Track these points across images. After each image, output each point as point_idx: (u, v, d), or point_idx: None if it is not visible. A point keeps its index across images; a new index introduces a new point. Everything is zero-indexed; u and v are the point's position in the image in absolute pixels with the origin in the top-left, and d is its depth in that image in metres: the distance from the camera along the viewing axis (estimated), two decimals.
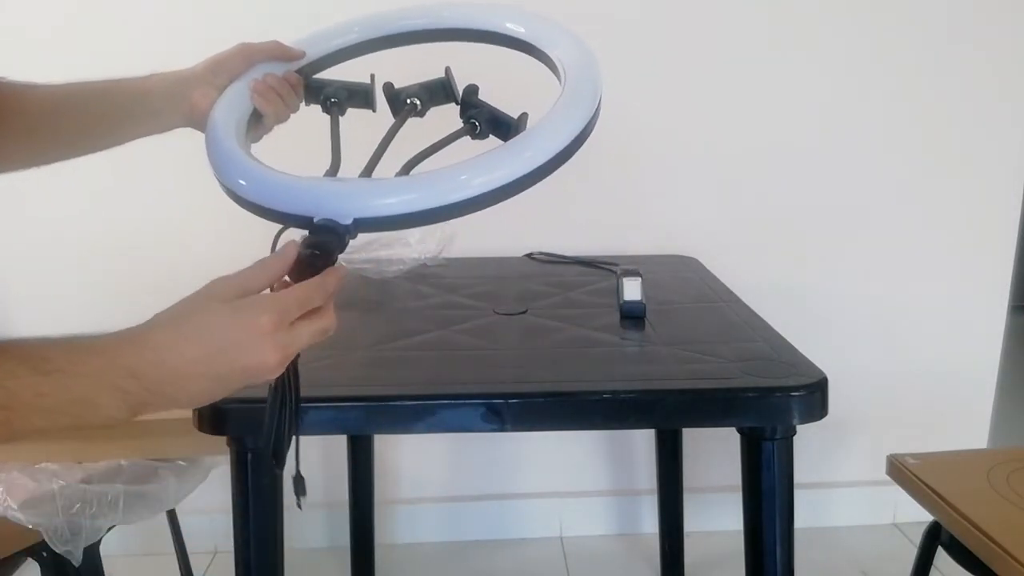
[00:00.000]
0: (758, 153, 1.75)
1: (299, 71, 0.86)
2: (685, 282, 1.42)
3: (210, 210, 1.71)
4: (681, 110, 1.72)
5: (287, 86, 0.82)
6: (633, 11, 1.66)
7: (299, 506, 0.69)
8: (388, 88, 0.80)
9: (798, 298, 1.79)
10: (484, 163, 0.68)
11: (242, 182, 0.69)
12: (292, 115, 0.85)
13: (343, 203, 0.65)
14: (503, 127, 0.74)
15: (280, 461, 0.65)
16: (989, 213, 1.80)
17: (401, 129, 0.78)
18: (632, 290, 1.21)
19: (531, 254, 1.64)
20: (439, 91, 0.79)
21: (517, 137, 0.70)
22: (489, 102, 0.76)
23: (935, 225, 1.80)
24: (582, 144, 0.72)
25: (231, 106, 0.78)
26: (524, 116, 0.73)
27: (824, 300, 1.82)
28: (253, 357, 0.57)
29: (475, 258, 1.59)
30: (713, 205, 1.76)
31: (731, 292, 1.34)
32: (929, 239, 1.81)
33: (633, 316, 1.19)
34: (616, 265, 1.45)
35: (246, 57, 0.81)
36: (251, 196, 0.69)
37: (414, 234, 1.53)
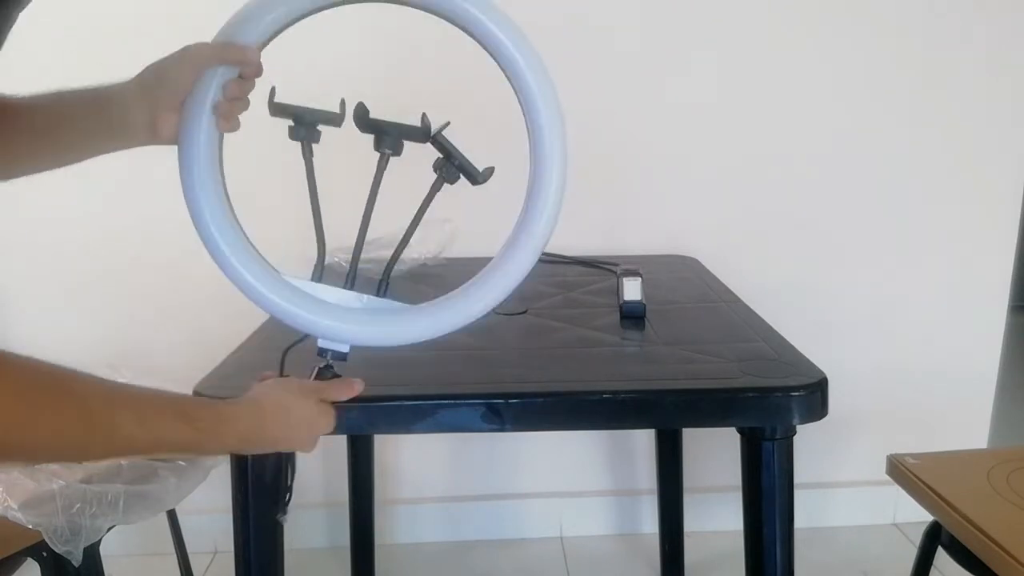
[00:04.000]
0: (758, 153, 1.75)
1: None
2: (685, 282, 1.42)
3: None
4: (681, 110, 1.72)
5: (244, 93, 0.78)
6: (633, 11, 1.66)
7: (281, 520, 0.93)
8: (360, 109, 0.80)
9: (798, 298, 1.79)
10: (458, 307, 0.82)
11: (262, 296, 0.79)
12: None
13: (341, 335, 0.80)
14: (470, 176, 0.81)
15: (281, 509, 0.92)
16: (989, 213, 1.80)
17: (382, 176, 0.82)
18: (632, 290, 1.21)
19: None
20: (413, 132, 0.80)
21: (478, 284, 0.83)
22: (455, 146, 0.81)
23: (935, 225, 1.80)
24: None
25: (207, 165, 0.77)
26: (489, 170, 0.81)
27: (824, 300, 1.82)
28: (308, 438, 0.80)
29: (475, 258, 1.58)
30: (713, 205, 1.76)
31: (731, 292, 1.34)
32: (929, 239, 1.81)
33: (633, 316, 1.19)
34: (616, 265, 1.45)
35: (194, 67, 0.76)
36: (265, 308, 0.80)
37: (414, 234, 1.53)
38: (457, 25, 0.80)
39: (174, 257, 1.73)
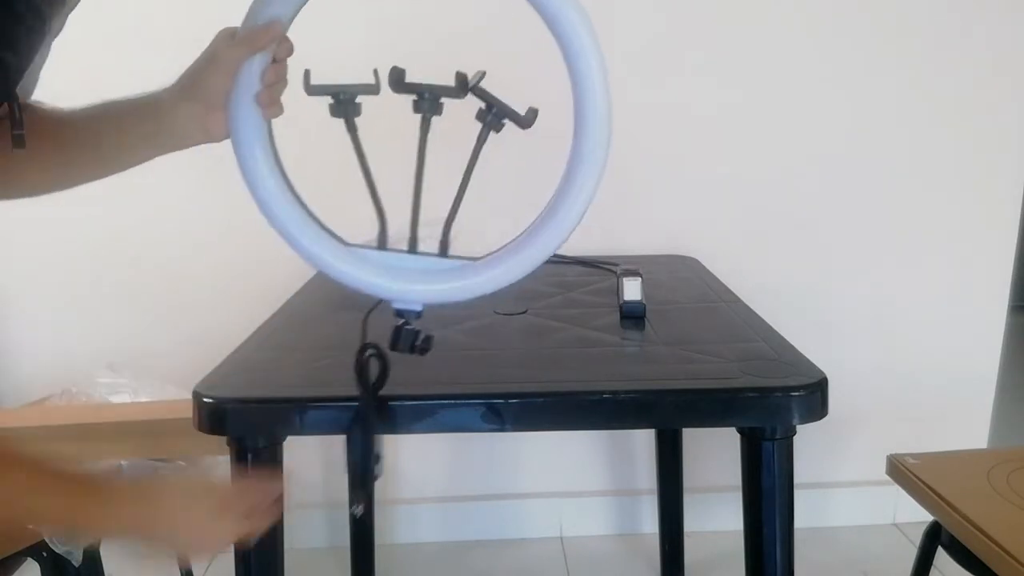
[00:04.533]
0: (758, 154, 1.75)
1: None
2: (685, 282, 1.42)
3: (213, 212, 1.71)
4: (681, 110, 1.72)
5: (280, 76, 0.80)
6: (633, 11, 1.66)
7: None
8: (396, 73, 0.81)
9: (798, 298, 1.79)
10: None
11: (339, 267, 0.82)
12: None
13: (415, 296, 0.83)
14: (516, 119, 0.81)
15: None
16: (989, 213, 1.80)
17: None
18: (632, 290, 1.21)
19: None
20: (450, 89, 0.82)
21: (537, 231, 0.87)
22: (494, 95, 0.81)
23: (935, 225, 1.80)
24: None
25: (262, 155, 0.81)
26: (533, 112, 0.80)
27: (824, 300, 1.82)
28: (198, 543, 0.75)
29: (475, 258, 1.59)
30: (713, 205, 1.76)
31: (731, 292, 1.34)
32: (929, 239, 1.81)
33: (633, 316, 1.19)
34: (616, 265, 1.44)
35: (227, 68, 0.76)
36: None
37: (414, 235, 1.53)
38: None
39: (174, 257, 1.73)
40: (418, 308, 0.83)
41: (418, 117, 0.83)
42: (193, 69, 0.78)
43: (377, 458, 0.90)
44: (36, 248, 1.71)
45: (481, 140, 0.82)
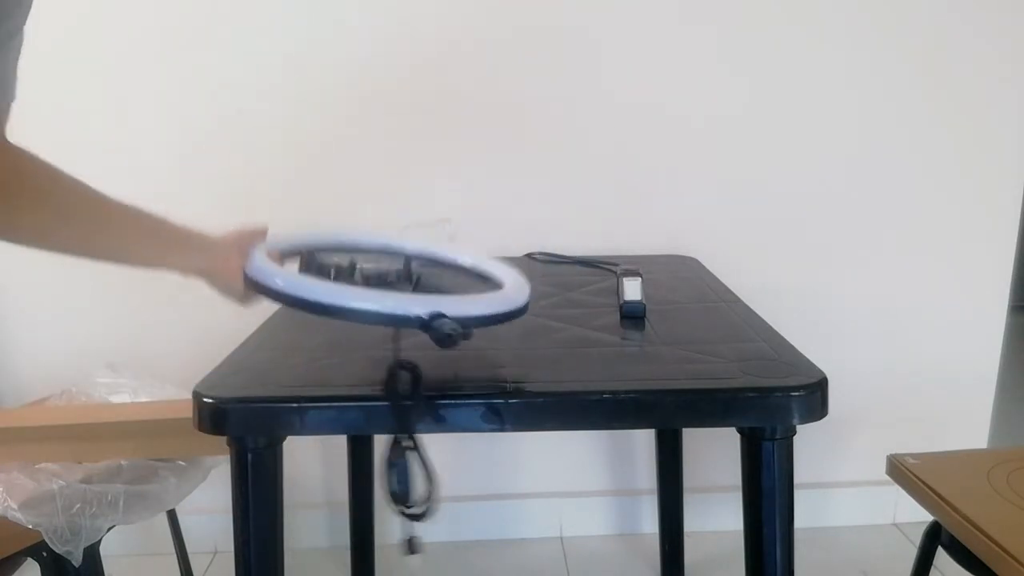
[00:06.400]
0: (758, 153, 1.75)
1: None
2: (685, 282, 1.42)
3: (213, 212, 1.71)
4: (681, 110, 1.72)
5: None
6: (633, 10, 1.66)
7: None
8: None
9: (798, 298, 1.79)
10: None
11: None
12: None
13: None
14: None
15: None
16: (989, 213, 1.80)
17: None
18: (632, 290, 1.21)
19: (531, 254, 1.64)
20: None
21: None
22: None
23: (935, 225, 1.80)
24: None
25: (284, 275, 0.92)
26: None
27: (824, 300, 1.82)
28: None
29: None
30: (713, 205, 1.76)
31: (731, 292, 1.34)
32: (929, 239, 1.81)
33: (633, 316, 1.19)
34: (616, 265, 1.45)
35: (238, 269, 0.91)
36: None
37: (414, 234, 1.53)
38: None
39: None
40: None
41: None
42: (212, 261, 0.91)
43: (415, 542, 0.96)
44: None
45: None
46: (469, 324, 0.88)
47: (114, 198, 0.83)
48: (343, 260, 1.04)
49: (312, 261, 1.01)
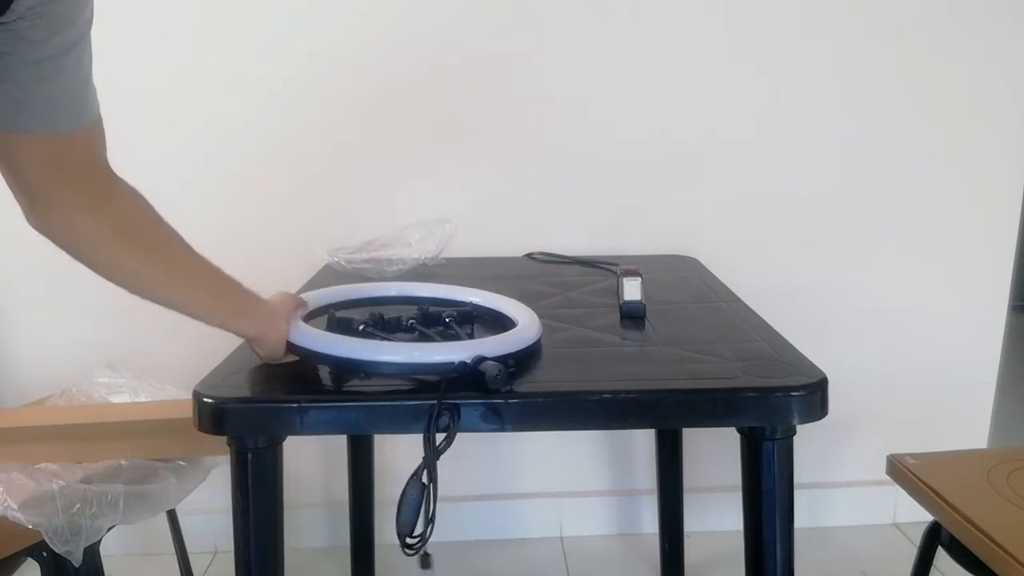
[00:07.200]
0: (758, 153, 1.75)
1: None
2: (685, 282, 1.42)
3: (213, 212, 1.71)
4: (681, 110, 1.72)
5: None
6: (633, 10, 1.66)
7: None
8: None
9: (798, 298, 1.79)
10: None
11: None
12: None
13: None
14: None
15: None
16: (989, 213, 1.80)
17: None
18: (632, 290, 1.21)
19: (531, 254, 1.64)
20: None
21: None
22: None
23: (935, 225, 1.80)
24: None
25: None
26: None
27: (824, 300, 1.82)
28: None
29: (475, 258, 1.59)
30: (713, 205, 1.77)
31: (731, 292, 1.34)
32: (929, 239, 1.81)
33: (633, 316, 1.19)
34: (616, 265, 1.45)
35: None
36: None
37: (414, 234, 1.53)
38: None
39: None
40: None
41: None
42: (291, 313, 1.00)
43: (428, 559, 0.97)
44: (37, 248, 1.70)
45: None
46: (505, 360, 0.93)
47: (200, 255, 0.90)
48: (363, 315, 1.11)
49: (334, 319, 1.07)
